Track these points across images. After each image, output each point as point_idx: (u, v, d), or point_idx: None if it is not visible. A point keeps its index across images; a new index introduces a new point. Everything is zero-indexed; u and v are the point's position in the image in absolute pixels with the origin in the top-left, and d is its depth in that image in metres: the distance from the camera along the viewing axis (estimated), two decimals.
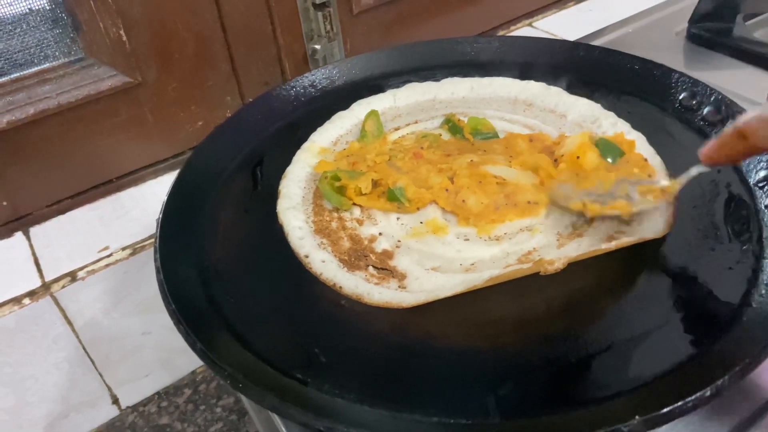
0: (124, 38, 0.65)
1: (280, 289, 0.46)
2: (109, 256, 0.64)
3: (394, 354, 0.42)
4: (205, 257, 0.49)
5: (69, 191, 0.70)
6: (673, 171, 0.51)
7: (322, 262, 0.47)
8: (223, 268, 0.48)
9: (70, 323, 0.64)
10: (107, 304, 0.65)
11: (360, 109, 0.62)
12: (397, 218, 0.51)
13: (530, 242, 0.48)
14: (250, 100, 0.74)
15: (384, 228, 0.50)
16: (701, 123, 0.56)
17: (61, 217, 0.69)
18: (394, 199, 0.51)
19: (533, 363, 0.40)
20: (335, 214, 0.52)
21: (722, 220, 0.47)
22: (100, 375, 0.69)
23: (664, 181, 0.47)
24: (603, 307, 0.43)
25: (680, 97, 0.59)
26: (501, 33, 0.97)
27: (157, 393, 0.74)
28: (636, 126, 0.56)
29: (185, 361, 0.74)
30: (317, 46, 0.78)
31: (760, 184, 0.49)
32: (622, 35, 0.87)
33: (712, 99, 0.56)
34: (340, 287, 0.46)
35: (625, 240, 0.46)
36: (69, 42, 0.66)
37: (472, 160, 0.53)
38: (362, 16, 0.81)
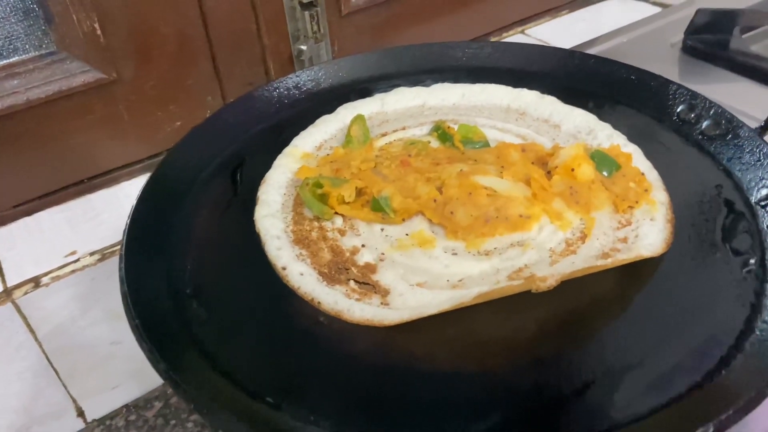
0: (99, 32, 0.62)
1: (254, 303, 0.44)
2: (76, 261, 0.61)
3: (374, 377, 0.39)
4: (175, 267, 0.45)
5: (37, 192, 0.67)
6: (670, 185, 0.49)
7: (301, 275, 0.45)
8: (194, 280, 0.45)
9: (32, 331, 0.61)
10: (74, 311, 0.62)
11: (346, 113, 0.60)
12: (382, 229, 0.48)
13: (521, 258, 0.45)
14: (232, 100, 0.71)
15: (367, 239, 0.47)
16: (700, 137, 0.54)
17: (27, 219, 0.65)
18: (378, 208, 0.48)
19: (522, 390, 0.38)
20: (316, 224, 0.49)
21: (722, 239, 0.45)
22: (65, 386, 0.66)
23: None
24: (597, 331, 0.41)
25: (678, 110, 0.57)
26: (493, 39, 0.95)
27: (126, 406, 0.70)
28: (632, 138, 0.54)
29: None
30: (303, 47, 0.76)
31: (763, 203, 0.47)
32: (615, 45, 0.86)
33: (711, 112, 0.54)
34: (319, 302, 0.43)
35: (621, 258, 0.44)
36: (40, 35, 0.63)
37: (461, 170, 0.50)
38: (351, 17, 0.79)
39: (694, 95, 0.56)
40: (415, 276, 0.44)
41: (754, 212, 0.47)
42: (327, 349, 0.41)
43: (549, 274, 0.42)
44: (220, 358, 0.39)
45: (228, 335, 0.41)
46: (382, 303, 0.43)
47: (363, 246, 0.47)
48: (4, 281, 0.59)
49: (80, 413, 0.68)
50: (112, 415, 0.70)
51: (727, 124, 0.53)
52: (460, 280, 0.44)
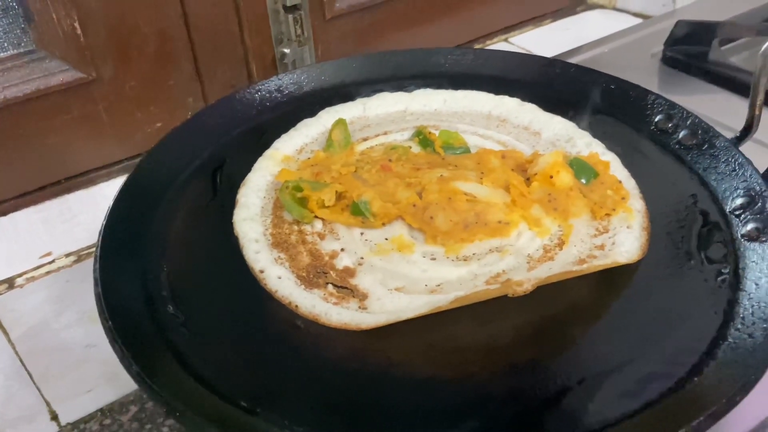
0: (79, 31, 0.62)
1: (231, 306, 0.43)
2: (51, 262, 0.60)
3: (351, 382, 0.39)
4: (151, 270, 0.45)
5: (12, 192, 0.66)
6: (646, 194, 0.50)
7: (278, 278, 0.44)
8: (171, 283, 0.44)
9: (6, 333, 0.60)
10: (48, 313, 0.61)
11: (327, 117, 0.60)
12: (361, 233, 0.48)
13: (499, 264, 0.45)
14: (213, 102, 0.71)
15: (346, 243, 0.47)
16: (676, 146, 0.55)
17: (2, 219, 0.64)
18: (358, 213, 0.48)
19: (499, 396, 0.38)
20: (295, 227, 0.49)
21: (697, 248, 0.46)
22: (38, 389, 0.65)
23: None
24: (573, 338, 0.41)
25: (656, 120, 0.57)
26: (477, 47, 0.96)
27: (100, 410, 0.69)
28: (610, 147, 0.55)
29: None
30: (287, 50, 0.76)
31: (737, 212, 0.48)
32: (597, 54, 0.87)
33: (688, 123, 0.55)
34: (297, 306, 0.43)
35: (597, 263, 0.44)
36: (19, 33, 0.62)
37: (442, 175, 0.50)
38: (335, 22, 0.79)
39: (672, 105, 0.57)
40: (393, 280, 0.44)
41: (729, 221, 0.47)
42: (304, 354, 0.41)
43: (525, 279, 0.42)
44: (195, 362, 0.39)
45: (203, 339, 0.41)
46: (359, 307, 0.42)
47: (342, 250, 0.47)
48: None
49: (54, 417, 0.67)
50: (86, 419, 0.69)
51: (704, 135, 0.53)
52: (438, 285, 0.44)
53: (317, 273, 0.45)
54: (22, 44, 0.63)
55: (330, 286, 0.44)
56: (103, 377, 0.69)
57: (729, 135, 0.53)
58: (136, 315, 0.41)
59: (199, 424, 0.34)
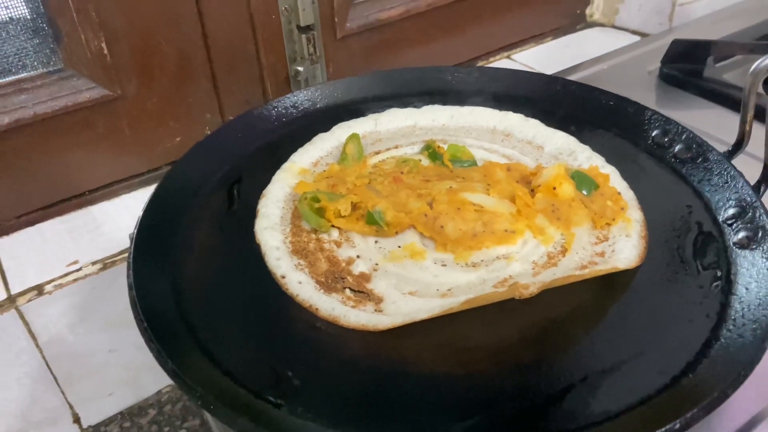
0: (105, 51, 0.65)
1: (255, 309, 0.46)
2: (78, 270, 0.63)
3: (367, 378, 0.41)
4: (179, 275, 0.48)
5: (40, 203, 0.68)
6: (644, 205, 0.53)
7: (299, 283, 0.47)
8: (198, 287, 0.47)
9: (34, 338, 0.62)
10: (73, 319, 0.64)
11: (341, 131, 0.63)
12: (375, 241, 0.51)
13: (506, 270, 0.48)
14: (231, 118, 0.74)
15: (362, 251, 0.50)
16: (672, 160, 0.57)
17: (30, 229, 0.67)
18: (372, 222, 0.51)
19: (506, 392, 0.40)
20: (313, 236, 0.52)
21: (692, 255, 0.48)
22: (63, 392, 0.67)
23: None
24: (575, 338, 0.44)
25: (653, 134, 0.60)
26: (480, 64, 0.99)
27: (120, 413, 0.72)
28: (610, 160, 0.57)
29: (151, 380, 0.73)
30: (300, 68, 0.79)
31: (729, 222, 0.50)
32: (597, 71, 0.90)
33: (683, 137, 0.58)
34: (317, 309, 0.45)
35: (598, 269, 0.47)
36: (48, 52, 0.66)
37: (450, 187, 0.53)
38: (346, 41, 0.82)
39: (668, 121, 0.60)
40: (407, 285, 0.47)
41: (722, 230, 0.50)
42: (323, 353, 0.43)
43: (531, 282, 0.45)
44: (224, 360, 0.41)
45: (230, 339, 0.43)
46: (376, 310, 0.45)
47: (358, 257, 0.50)
48: (7, 289, 0.61)
49: (76, 419, 0.70)
50: (107, 422, 0.71)
51: (698, 148, 0.56)
52: (449, 290, 0.47)
53: (335, 278, 0.48)
54: (52, 63, 0.66)
55: (348, 290, 0.47)
56: (123, 381, 0.71)
57: (723, 148, 0.56)
58: (168, 317, 0.44)
59: (230, 416, 0.36)
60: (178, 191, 0.55)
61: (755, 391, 0.44)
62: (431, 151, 0.59)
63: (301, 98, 0.67)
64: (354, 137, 0.61)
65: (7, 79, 0.64)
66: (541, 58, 1.01)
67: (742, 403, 0.46)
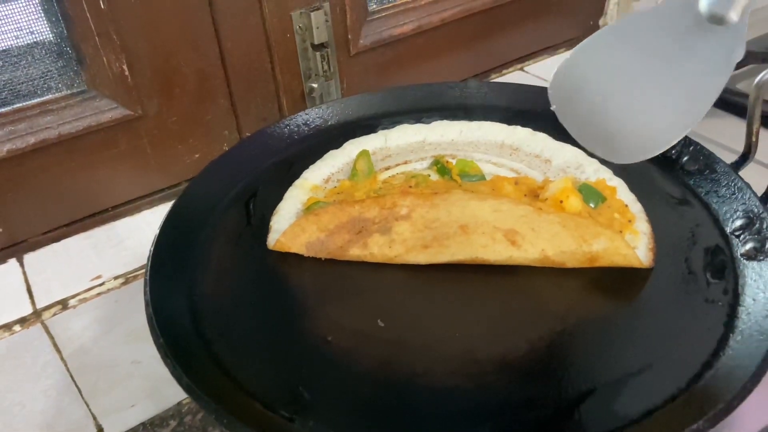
0: (127, 72, 0.67)
1: (268, 323, 0.47)
2: (101, 284, 0.65)
3: (378, 390, 0.42)
4: (195, 290, 0.50)
5: (64, 219, 0.71)
6: (652, 217, 0.53)
7: None
8: (213, 302, 0.49)
9: (59, 351, 0.65)
10: (97, 332, 0.66)
11: (352, 148, 0.64)
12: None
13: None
14: (248, 134, 0.75)
15: None
16: (680, 172, 0.58)
17: (55, 245, 0.70)
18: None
19: (514, 403, 0.41)
20: None
21: (701, 267, 0.49)
22: (86, 404, 0.69)
23: None
24: (583, 350, 0.44)
25: None
26: (493, 76, 1.00)
27: (142, 424, 0.73)
28: (617, 173, 0.58)
29: (172, 391, 0.74)
30: (314, 85, 0.80)
31: (737, 233, 0.51)
32: None
33: (691, 149, 0.58)
34: None
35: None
36: (72, 75, 0.68)
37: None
38: (359, 57, 0.84)
39: None
40: None
41: (729, 241, 0.50)
42: (334, 366, 0.44)
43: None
44: (238, 374, 0.43)
45: (244, 353, 0.45)
46: None
47: None
48: (33, 303, 0.63)
49: (99, 430, 0.72)
50: None
51: (705, 160, 0.56)
52: None
53: None
54: (75, 85, 0.68)
55: None
56: (145, 392, 0.73)
57: (733, 157, 0.56)
58: (183, 332, 0.45)
59: (245, 430, 0.38)
60: (195, 207, 0.57)
61: (766, 402, 0.44)
62: (440, 166, 0.60)
63: (312, 116, 0.68)
64: (364, 154, 0.62)
65: (33, 101, 0.66)
66: (554, 70, 1.01)
67: (753, 413, 0.46)
